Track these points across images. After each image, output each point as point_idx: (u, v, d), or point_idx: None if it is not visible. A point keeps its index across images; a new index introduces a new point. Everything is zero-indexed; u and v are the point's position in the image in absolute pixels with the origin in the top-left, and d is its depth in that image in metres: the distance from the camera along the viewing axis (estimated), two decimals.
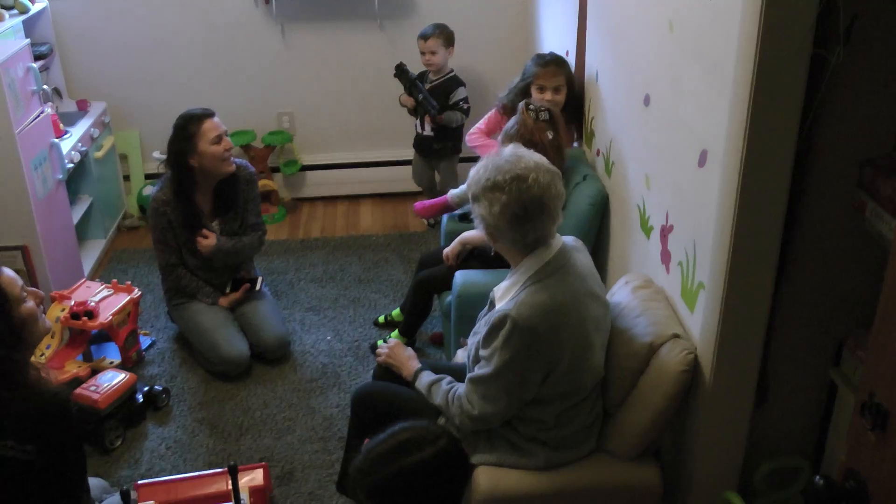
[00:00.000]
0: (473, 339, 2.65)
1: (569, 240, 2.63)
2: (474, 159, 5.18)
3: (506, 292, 2.56)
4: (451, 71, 4.96)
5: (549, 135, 3.30)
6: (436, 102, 4.81)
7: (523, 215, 2.42)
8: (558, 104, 3.85)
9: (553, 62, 3.89)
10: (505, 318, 2.42)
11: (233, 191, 4.02)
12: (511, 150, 2.53)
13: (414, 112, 4.96)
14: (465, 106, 4.93)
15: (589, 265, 2.65)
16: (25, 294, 2.41)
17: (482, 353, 2.53)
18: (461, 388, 2.63)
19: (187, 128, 3.83)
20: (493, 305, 2.64)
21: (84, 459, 2.49)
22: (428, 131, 4.93)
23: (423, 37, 4.85)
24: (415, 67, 4.92)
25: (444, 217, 4.19)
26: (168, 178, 3.94)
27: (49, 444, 2.29)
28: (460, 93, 4.92)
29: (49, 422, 2.31)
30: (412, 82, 4.84)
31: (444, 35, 4.85)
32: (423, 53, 4.85)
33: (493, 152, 2.55)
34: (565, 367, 2.49)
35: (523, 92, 3.95)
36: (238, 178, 4.03)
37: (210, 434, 3.57)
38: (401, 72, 4.85)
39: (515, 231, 2.46)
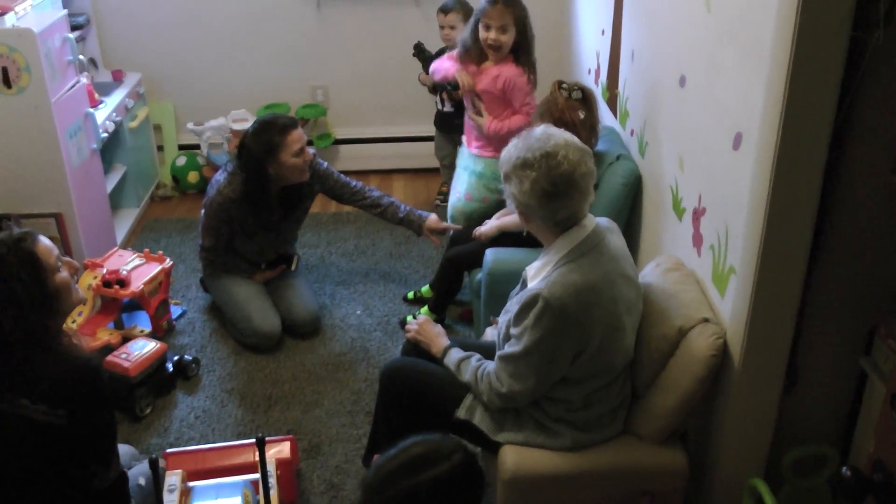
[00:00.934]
0: (504, 318, 2.65)
1: (602, 221, 2.62)
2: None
3: (538, 271, 2.55)
4: None
5: (581, 114, 3.27)
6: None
7: (553, 192, 2.41)
8: (504, 44, 3.91)
9: (502, 0, 3.87)
10: (536, 297, 2.42)
11: (302, 192, 3.99)
12: (542, 129, 2.52)
13: (434, 90, 4.91)
14: None
15: (622, 247, 2.63)
16: (60, 264, 2.44)
17: (513, 331, 2.53)
18: (490, 365, 2.63)
19: (271, 137, 3.73)
20: (525, 284, 2.63)
21: (114, 425, 2.52)
22: (449, 108, 4.87)
23: (443, 10, 4.76)
24: (433, 45, 4.88)
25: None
26: (236, 175, 3.82)
27: (80, 410, 2.33)
28: None
29: (80, 387, 2.35)
30: (431, 60, 4.76)
31: (464, 9, 4.76)
32: (441, 28, 4.76)
33: (525, 131, 2.54)
34: (595, 347, 2.48)
35: (474, 30, 3.97)
36: (310, 180, 3.99)
37: (239, 405, 3.60)
38: (419, 51, 4.84)
39: (545, 208, 2.45)
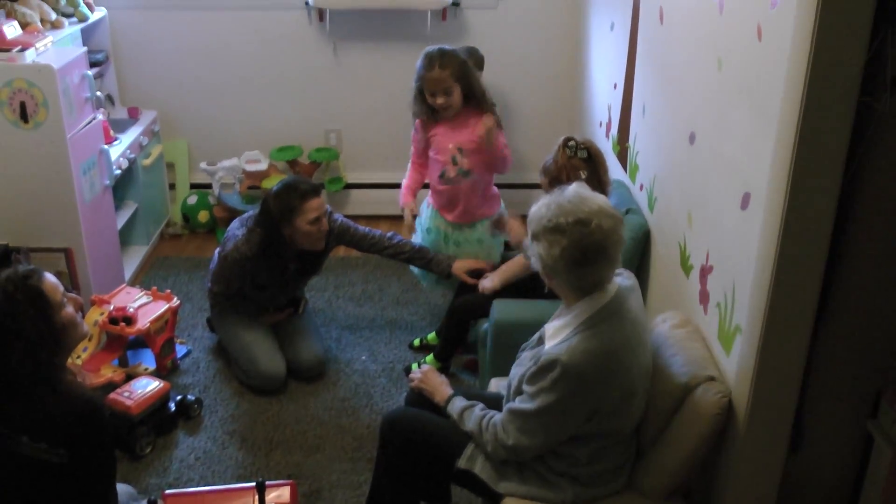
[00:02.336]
0: (517, 370, 2.64)
1: (624, 281, 2.59)
2: (507, 185, 5.23)
3: (557, 332, 2.52)
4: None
5: (583, 174, 3.19)
6: None
7: (582, 260, 2.40)
8: (454, 103, 3.88)
9: (436, 62, 3.80)
10: (555, 361, 2.40)
11: (317, 257, 4.01)
12: (575, 189, 2.49)
13: None
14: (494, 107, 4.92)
15: (641, 308, 2.62)
16: (66, 300, 2.45)
17: (526, 387, 2.51)
18: (497, 415, 2.61)
19: (291, 200, 3.71)
20: (541, 341, 2.61)
21: (114, 465, 2.52)
22: None
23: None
24: None
25: None
26: (254, 232, 3.80)
27: (81, 448, 2.32)
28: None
29: (82, 426, 2.34)
30: None
31: (474, 59, 4.74)
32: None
33: (558, 190, 2.51)
34: (608, 411, 2.47)
35: (419, 96, 3.93)
36: (328, 249, 4.00)
37: (240, 447, 3.58)
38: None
39: (572, 274, 2.43)
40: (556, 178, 3.19)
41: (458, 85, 3.83)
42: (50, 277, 2.44)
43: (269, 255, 3.80)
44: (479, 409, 2.70)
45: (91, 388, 2.57)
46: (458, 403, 2.75)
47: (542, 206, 2.48)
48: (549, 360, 2.42)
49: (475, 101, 3.91)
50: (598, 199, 2.48)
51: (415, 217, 4.17)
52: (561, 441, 2.53)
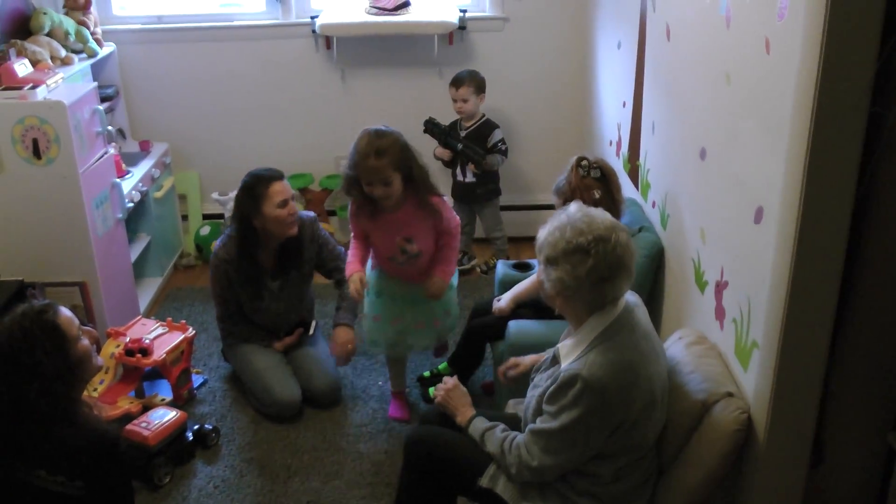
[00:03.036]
0: (533, 392, 2.63)
1: (629, 297, 2.60)
2: (516, 207, 5.21)
3: (571, 350, 2.52)
4: (483, 115, 4.99)
5: (597, 193, 3.21)
6: (478, 149, 4.85)
7: (608, 276, 2.41)
8: (394, 193, 3.47)
9: (372, 152, 3.37)
10: (575, 377, 2.40)
11: (297, 251, 4.00)
12: (577, 208, 2.51)
13: (451, 163, 5.00)
14: (503, 147, 4.95)
15: (648, 322, 2.62)
16: (81, 333, 2.46)
17: (547, 407, 2.50)
18: (520, 437, 2.60)
19: (254, 188, 3.79)
20: (555, 361, 2.61)
21: (132, 497, 2.52)
22: (470, 178, 4.96)
23: (455, 84, 4.88)
24: (441, 116, 4.96)
25: (499, 264, 4.18)
26: (231, 234, 3.92)
27: (98, 482, 2.33)
28: (497, 135, 4.94)
29: (99, 459, 2.35)
30: (446, 133, 4.89)
31: (475, 82, 4.87)
32: (454, 101, 4.89)
33: (559, 212, 2.53)
34: (630, 424, 2.46)
35: (356, 188, 3.51)
36: (303, 239, 4.00)
37: (258, 475, 3.57)
38: (433, 125, 4.87)
39: (596, 292, 2.44)
40: (571, 198, 3.19)
41: (399, 174, 3.43)
42: (65, 311, 2.46)
43: (246, 254, 3.87)
44: (499, 430, 2.68)
45: (107, 421, 2.57)
46: (479, 425, 2.74)
47: (553, 230, 2.48)
48: (569, 376, 2.42)
49: (417, 189, 3.51)
50: (605, 214, 2.51)
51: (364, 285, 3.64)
52: (585, 459, 2.52)
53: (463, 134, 4.95)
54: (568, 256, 2.42)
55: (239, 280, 3.92)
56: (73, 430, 2.35)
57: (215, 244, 4.03)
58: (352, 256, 3.69)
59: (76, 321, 2.47)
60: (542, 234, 2.52)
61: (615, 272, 2.42)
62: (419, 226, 3.58)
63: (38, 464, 2.29)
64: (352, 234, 3.75)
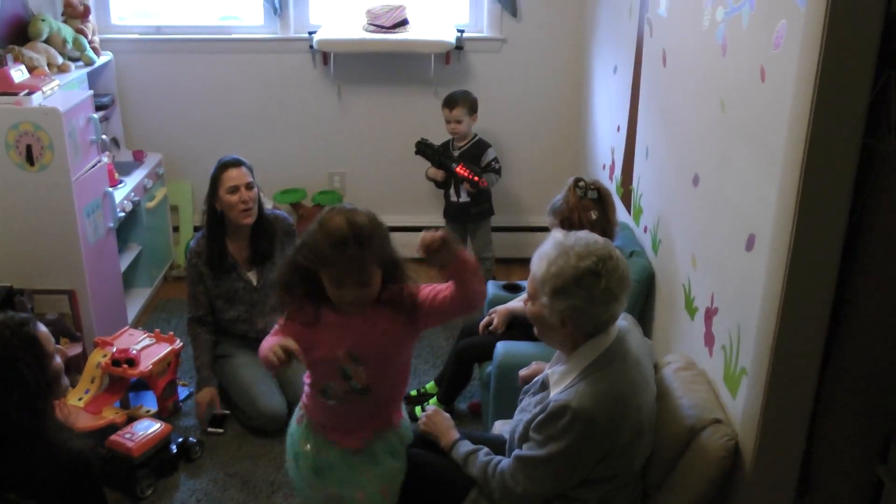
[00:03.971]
0: (521, 416, 2.62)
1: (622, 322, 2.59)
2: (507, 228, 5.19)
3: (561, 378, 2.51)
4: (476, 135, 4.97)
5: (594, 214, 3.24)
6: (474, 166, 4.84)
7: (617, 295, 2.42)
8: (368, 300, 2.57)
9: (352, 239, 2.47)
10: (565, 408, 2.38)
11: (269, 242, 4.03)
12: (565, 235, 2.49)
13: (444, 184, 4.95)
14: (497, 166, 4.92)
15: (640, 345, 2.61)
16: (55, 351, 2.44)
17: (534, 435, 2.48)
18: (504, 462, 2.58)
19: (214, 173, 3.93)
20: (545, 387, 2.59)
21: None
22: (465, 198, 4.92)
23: (448, 105, 4.85)
24: (436, 136, 4.97)
25: (489, 285, 4.18)
26: (203, 231, 4.03)
27: (59, 501, 2.26)
28: (490, 154, 4.91)
29: (72, 482, 2.28)
30: (440, 154, 4.86)
31: (469, 102, 4.86)
32: (448, 122, 4.86)
33: (550, 239, 2.51)
34: (618, 452, 2.45)
35: (304, 275, 2.53)
36: (275, 230, 4.05)
37: (241, 489, 3.55)
38: (424, 146, 4.86)
39: (607, 312, 2.44)
40: (568, 218, 3.21)
41: (380, 269, 2.58)
42: (42, 327, 2.42)
43: (215, 243, 3.96)
44: (483, 454, 2.66)
45: (82, 440, 2.46)
46: (462, 449, 2.72)
47: (554, 259, 2.44)
48: (558, 406, 2.40)
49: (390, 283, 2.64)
50: (593, 235, 2.51)
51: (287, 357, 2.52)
52: (570, 486, 2.51)
53: (457, 154, 4.93)
54: (579, 282, 2.40)
55: (210, 274, 3.97)
56: (47, 451, 2.28)
57: (190, 243, 4.11)
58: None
59: (51, 338, 2.43)
60: (541, 267, 2.47)
61: (622, 288, 2.43)
62: (378, 336, 2.61)
63: (9, 487, 2.22)
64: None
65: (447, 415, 2.90)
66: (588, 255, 2.41)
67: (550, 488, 2.50)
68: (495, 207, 5.09)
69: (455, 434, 2.80)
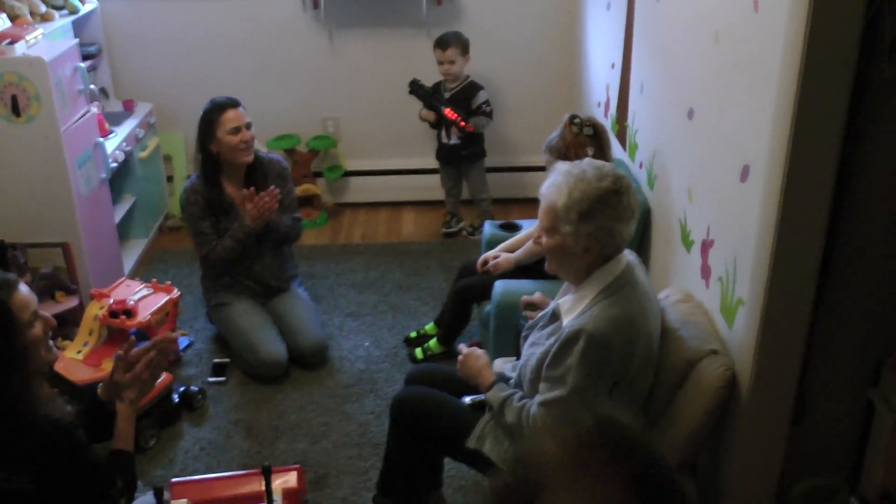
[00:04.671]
0: (531, 349, 2.60)
1: (628, 255, 2.58)
2: (503, 168, 5.19)
3: (574, 305, 2.50)
4: (468, 77, 4.98)
5: (590, 151, 3.21)
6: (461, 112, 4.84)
7: (636, 212, 2.47)
8: None
9: None
10: (579, 332, 2.38)
11: (263, 182, 4.00)
12: (571, 165, 2.49)
13: (436, 125, 4.98)
14: (488, 109, 4.94)
15: (647, 281, 2.61)
16: (35, 319, 2.26)
17: (551, 372, 2.46)
18: (533, 406, 2.52)
19: (209, 115, 3.90)
20: (556, 318, 2.59)
21: (95, 485, 2.32)
22: (455, 140, 4.94)
23: (441, 46, 4.85)
24: (429, 77, 4.93)
25: (485, 225, 4.18)
26: (197, 169, 4.01)
27: (47, 475, 2.17)
28: (481, 96, 4.93)
29: (48, 453, 2.18)
30: (431, 95, 4.88)
31: (461, 43, 4.85)
32: (440, 63, 4.87)
33: (560, 167, 2.50)
34: (628, 381, 2.47)
35: None
36: (268, 171, 4.04)
37: (245, 437, 3.58)
38: (417, 87, 4.89)
39: (627, 230, 2.46)
40: (565, 155, 3.20)
41: None
42: (23, 291, 2.24)
43: (211, 182, 3.95)
44: (517, 399, 2.60)
45: (61, 408, 2.35)
46: (500, 393, 2.64)
47: (573, 186, 2.42)
48: (573, 332, 2.40)
49: None
50: (592, 160, 2.53)
51: None
52: None
53: (447, 96, 4.92)
54: (604, 201, 2.40)
55: (210, 211, 3.95)
56: (26, 426, 2.16)
57: (184, 185, 4.07)
58: None
59: (33, 305, 2.26)
60: (561, 195, 2.43)
61: (638, 207, 2.48)
62: None
63: None
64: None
65: (481, 352, 2.80)
66: (604, 177, 2.42)
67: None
68: (491, 148, 5.07)
69: (491, 375, 2.72)
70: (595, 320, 2.39)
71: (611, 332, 2.38)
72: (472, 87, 4.94)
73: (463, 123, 4.76)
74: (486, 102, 4.93)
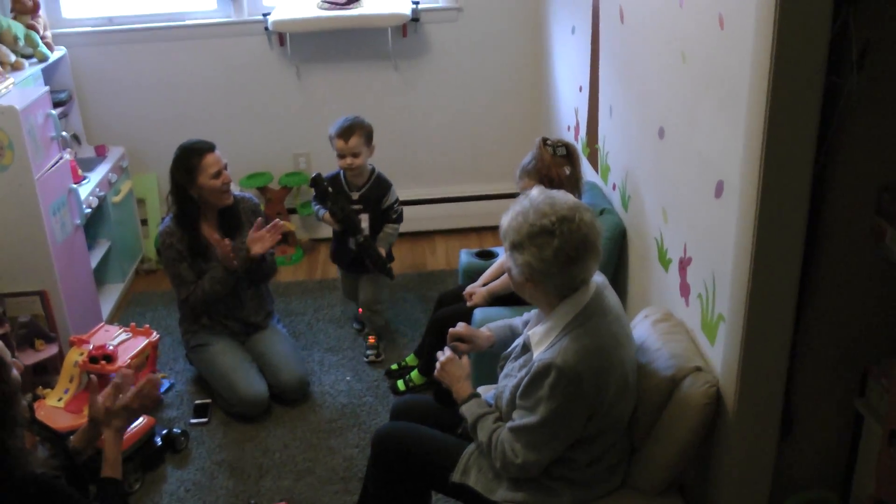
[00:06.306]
0: (506, 381, 2.62)
1: (598, 278, 2.59)
2: (476, 197, 5.15)
3: (543, 338, 2.51)
4: (374, 169, 4.26)
5: (567, 170, 3.28)
6: (365, 225, 4.18)
7: (575, 256, 2.40)
8: None
9: None
10: (549, 366, 2.39)
11: (236, 219, 4.01)
12: (539, 192, 2.49)
13: (345, 233, 4.21)
14: (399, 208, 4.27)
15: (618, 304, 2.62)
16: (11, 363, 2.21)
17: (523, 402, 2.48)
18: (504, 430, 2.55)
19: (188, 160, 3.86)
20: (527, 349, 2.60)
21: None
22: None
23: (343, 136, 4.09)
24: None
25: (462, 253, 4.18)
26: (172, 211, 3.96)
27: None
28: (392, 195, 4.24)
29: None
30: (327, 198, 4.14)
31: (365, 129, 4.14)
32: (342, 156, 4.10)
33: (521, 196, 2.51)
34: (606, 408, 2.46)
35: None
36: (241, 210, 4.04)
37: (229, 476, 3.54)
38: (315, 183, 4.17)
39: (565, 274, 2.43)
40: (547, 175, 3.23)
41: None
42: None
43: (188, 226, 3.92)
44: (492, 420, 2.62)
45: (42, 462, 2.30)
46: (476, 409, 2.66)
47: (516, 215, 2.46)
48: (543, 366, 2.40)
49: None
50: (567, 196, 2.50)
51: None
52: (566, 447, 2.51)
53: (355, 196, 4.18)
54: (533, 239, 2.40)
55: (188, 253, 3.92)
56: (12, 483, 2.11)
57: (159, 229, 4.03)
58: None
59: (6, 350, 2.22)
60: (505, 220, 2.50)
61: (581, 252, 2.40)
62: None
63: None
64: None
65: (463, 362, 2.82)
66: (548, 214, 2.40)
67: (549, 454, 2.49)
68: (461, 177, 4.99)
69: (469, 387, 2.75)
70: (564, 353, 2.39)
71: (580, 364, 2.38)
72: (382, 185, 4.24)
73: (389, 267, 4.20)
74: (398, 201, 4.28)
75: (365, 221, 4.19)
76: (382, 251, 4.18)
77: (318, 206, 4.24)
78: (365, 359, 4.26)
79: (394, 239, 4.30)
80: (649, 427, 2.61)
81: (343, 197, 4.17)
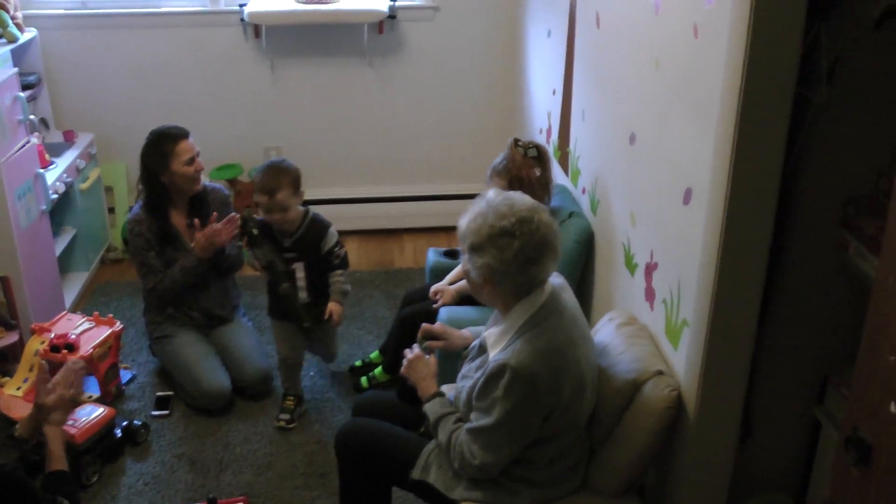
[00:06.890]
0: (463, 382, 2.62)
1: (555, 280, 2.60)
2: (446, 196, 5.15)
3: (499, 339, 2.52)
4: (308, 211, 3.75)
5: (537, 171, 3.31)
6: (301, 275, 3.70)
7: (535, 257, 2.41)
8: None
9: None
10: (504, 367, 2.39)
11: (206, 210, 3.96)
12: (495, 193, 2.51)
13: (275, 278, 3.71)
14: (342, 251, 3.74)
15: (575, 304, 2.63)
16: None
17: (479, 403, 2.49)
18: (462, 431, 2.57)
19: (162, 146, 3.83)
20: (483, 350, 2.61)
21: None
22: (305, 297, 3.73)
23: (267, 192, 3.55)
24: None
25: (430, 252, 4.19)
26: (141, 198, 3.94)
27: None
28: (332, 236, 3.72)
29: None
30: (255, 243, 3.66)
31: (290, 177, 3.63)
32: (269, 212, 3.57)
33: (479, 197, 2.52)
34: (562, 408, 2.47)
35: None
36: (210, 200, 4.02)
37: (189, 470, 3.52)
38: (243, 223, 3.74)
39: (525, 275, 2.43)
40: (517, 176, 3.25)
41: None
42: None
43: (158, 213, 3.90)
44: (453, 420, 2.63)
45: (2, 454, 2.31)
46: (438, 409, 2.68)
47: (475, 217, 2.47)
48: (497, 367, 2.41)
49: None
50: (524, 197, 2.51)
51: None
52: (522, 447, 2.52)
53: (288, 244, 3.67)
54: (493, 241, 2.41)
55: (156, 241, 3.89)
56: None
57: (127, 216, 4.00)
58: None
59: None
60: (464, 222, 2.50)
61: (541, 252, 2.42)
62: None
63: None
64: None
65: (430, 361, 2.83)
66: (507, 216, 2.41)
67: (506, 454, 2.50)
68: (432, 175, 5.01)
69: (434, 386, 2.77)
70: (518, 354, 2.40)
71: (535, 365, 2.39)
72: (318, 228, 3.72)
73: (337, 319, 3.73)
74: (338, 244, 3.74)
75: (300, 271, 3.68)
76: (339, 306, 3.72)
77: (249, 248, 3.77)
78: (276, 422, 3.77)
79: (347, 287, 3.75)
80: (610, 429, 2.62)
81: (268, 244, 3.65)
